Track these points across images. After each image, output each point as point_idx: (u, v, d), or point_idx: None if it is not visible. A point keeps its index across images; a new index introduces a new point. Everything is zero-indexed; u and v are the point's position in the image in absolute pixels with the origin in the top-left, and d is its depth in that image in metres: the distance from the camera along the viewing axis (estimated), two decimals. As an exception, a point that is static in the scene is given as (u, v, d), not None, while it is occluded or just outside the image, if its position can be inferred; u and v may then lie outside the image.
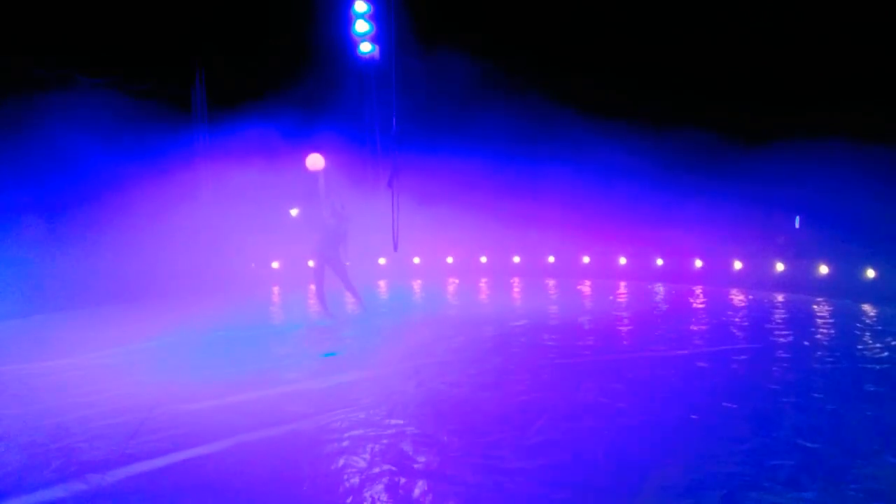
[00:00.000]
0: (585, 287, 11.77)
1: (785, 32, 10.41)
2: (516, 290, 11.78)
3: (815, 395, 5.46)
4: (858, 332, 7.74)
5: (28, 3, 9.49)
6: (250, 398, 5.63)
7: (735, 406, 5.20)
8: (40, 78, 9.44)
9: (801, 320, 8.58)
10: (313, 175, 8.62)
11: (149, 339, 7.99)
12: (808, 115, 10.03)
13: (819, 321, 8.54)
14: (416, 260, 13.24)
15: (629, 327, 8.35)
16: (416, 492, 3.93)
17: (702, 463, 4.22)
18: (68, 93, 9.79)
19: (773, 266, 10.92)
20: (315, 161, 8.46)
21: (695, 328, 8.24)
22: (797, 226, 10.96)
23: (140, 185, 10.09)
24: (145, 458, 4.45)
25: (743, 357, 6.66)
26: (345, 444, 4.62)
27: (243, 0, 11.35)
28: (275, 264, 12.57)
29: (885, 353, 6.69)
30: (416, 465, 4.26)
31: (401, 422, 5.00)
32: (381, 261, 13.06)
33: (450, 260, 13.41)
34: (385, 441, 4.65)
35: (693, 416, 5.00)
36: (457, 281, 12.73)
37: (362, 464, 4.30)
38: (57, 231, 9.77)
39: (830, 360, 6.51)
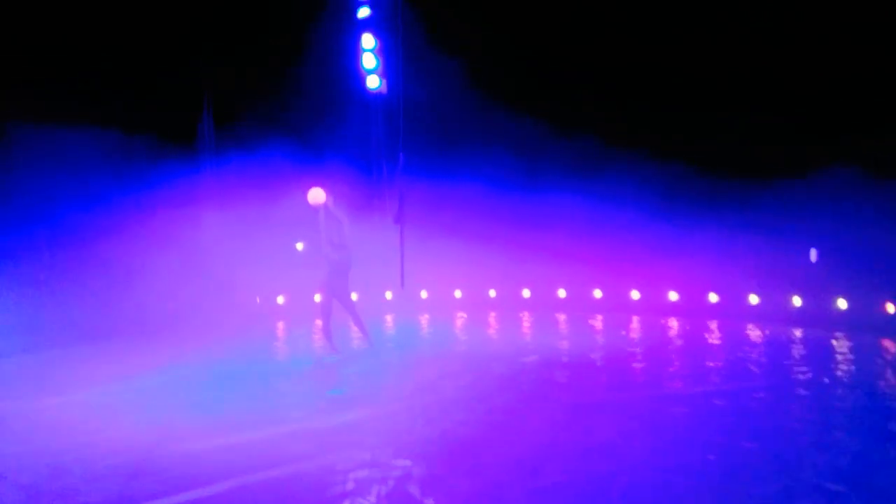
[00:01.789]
0: (597, 322, 11.62)
1: (800, 59, 10.34)
2: (526, 324, 11.65)
3: (838, 434, 5.30)
4: (880, 368, 7.58)
5: (35, 35, 9.61)
6: (252, 438, 5.51)
7: (754, 446, 5.05)
8: (43, 112, 9.52)
9: (820, 356, 8.41)
10: (314, 209, 8.60)
11: (150, 375, 7.90)
12: (825, 143, 9.90)
13: (839, 357, 8.38)
14: (424, 294, 13.14)
15: (643, 364, 8.21)
16: (423, 538, 3.79)
17: (722, 507, 4.06)
18: (72, 127, 9.87)
19: (790, 300, 10.74)
20: (316, 195, 8.44)
21: (711, 364, 8.09)
22: (813, 259, 10.77)
23: (142, 218, 10.11)
24: (145, 499, 4.33)
25: (761, 394, 6.51)
26: (350, 486, 4.49)
27: (252, 34, 11.49)
28: (280, 299, 12.50)
29: (909, 391, 6.52)
30: (423, 509, 4.13)
31: (408, 462, 4.87)
32: (388, 295, 12.97)
33: (458, 294, 13.31)
34: (391, 483, 4.52)
35: (711, 457, 4.85)
36: (465, 315, 12.62)
37: (367, 507, 4.17)
38: (56, 266, 9.78)
39: (852, 397, 6.36)
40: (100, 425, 5.94)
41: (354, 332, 9.32)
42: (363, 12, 11.21)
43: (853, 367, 7.74)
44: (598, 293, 12.63)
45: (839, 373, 7.47)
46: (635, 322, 11.46)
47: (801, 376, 7.26)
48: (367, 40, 11.09)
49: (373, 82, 11.43)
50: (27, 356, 9.18)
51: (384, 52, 11.08)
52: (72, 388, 7.27)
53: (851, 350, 8.73)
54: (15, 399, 6.92)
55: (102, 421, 6.08)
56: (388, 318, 12.45)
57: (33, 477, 4.78)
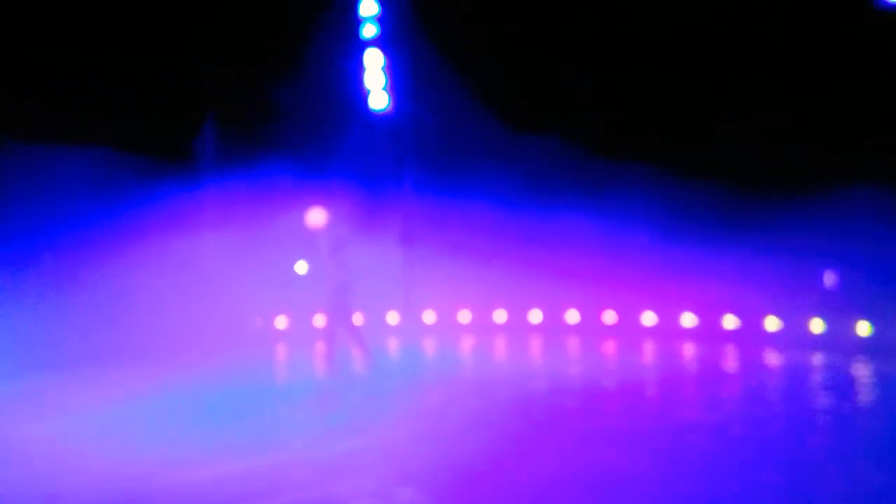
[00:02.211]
0: (609, 346, 11.49)
1: (814, 67, 10.19)
2: (535, 349, 11.54)
3: (859, 464, 5.13)
4: (902, 396, 7.38)
5: (32, 56, 9.64)
6: (251, 465, 5.40)
7: (773, 477, 4.88)
8: (40, 129, 9.55)
9: (840, 382, 8.23)
10: (315, 230, 8.57)
11: (147, 399, 7.83)
12: (846, 158, 9.68)
13: (860, 383, 8.22)
14: (429, 317, 13.03)
15: (656, 390, 8.15)
16: (426, 573, 3.65)
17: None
18: (67, 145, 9.91)
19: (809, 324, 10.54)
20: (315, 217, 8.42)
21: (726, 391, 7.98)
22: (828, 284, 10.58)
23: (140, 238, 10.09)
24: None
25: (779, 423, 6.37)
26: (351, 515, 4.37)
27: (255, 53, 11.54)
28: (280, 321, 12.41)
29: (935, 420, 6.33)
30: (426, 542, 3.99)
31: (412, 491, 4.76)
32: (392, 318, 12.86)
33: (464, 317, 13.19)
34: (394, 513, 4.40)
35: (728, 488, 4.67)
36: (471, 339, 12.51)
37: (369, 538, 4.04)
38: (51, 287, 9.76)
39: (875, 426, 6.24)
40: (95, 451, 5.86)
41: (356, 355, 9.21)
42: (369, 31, 11.29)
43: (875, 395, 7.60)
44: (610, 316, 12.46)
45: (860, 400, 7.34)
46: (649, 346, 11.31)
47: (821, 404, 7.13)
48: (373, 58, 11.13)
49: (378, 100, 11.46)
50: (22, 379, 9.07)
51: (390, 70, 11.13)
52: (66, 413, 7.21)
53: (873, 375, 8.54)
54: (10, 423, 6.86)
55: (97, 446, 6.00)
56: (392, 341, 12.35)
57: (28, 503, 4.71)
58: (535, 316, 12.93)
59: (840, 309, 10.13)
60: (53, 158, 9.68)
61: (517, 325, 12.92)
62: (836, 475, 4.94)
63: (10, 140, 9.15)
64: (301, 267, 9.79)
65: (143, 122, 10.54)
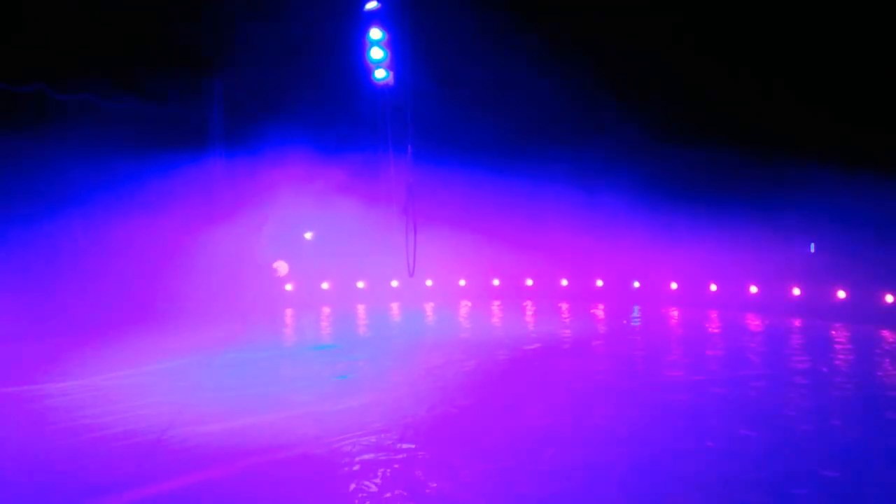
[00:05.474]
0: (598, 311, 11.69)
1: (799, 44, 10.25)
2: (529, 313, 11.72)
3: (834, 422, 5.38)
4: (878, 359, 7.61)
5: (40, 27, 9.53)
6: (261, 421, 5.62)
7: (752, 433, 5.13)
8: (54, 102, 9.49)
9: (818, 346, 8.46)
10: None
11: (161, 360, 8.00)
12: (825, 133, 9.84)
13: (837, 347, 8.43)
14: (429, 282, 13.22)
15: (643, 352, 8.28)
16: (428, 518, 3.89)
17: (719, 491, 4.15)
18: (82, 116, 9.84)
19: (789, 290, 10.78)
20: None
21: (710, 353, 8.16)
22: (812, 250, 10.82)
23: (155, 207, 10.13)
24: (158, 480, 4.45)
25: (759, 383, 6.56)
26: (356, 468, 4.59)
27: (261, 25, 11.47)
28: (288, 286, 12.59)
29: (906, 380, 6.59)
30: (427, 491, 4.22)
31: (412, 446, 4.96)
32: (394, 283, 13.06)
33: (462, 282, 13.39)
34: (396, 466, 4.62)
35: (709, 444, 4.93)
36: (469, 304, 12.69)
37: (373, 489, 4.26)
38: (71, 252, 9.82)
39: (849, 386, 6.42)
40: (114, 408, 6.04)
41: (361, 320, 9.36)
42: (371, 4, 11.21)
43: (851, 357, 7.80)
44: (599, 283, 12.71)
45: (837, 362, 7.54)
46: (636, 311, 11.53)
47: (799, 365, 7.31)
48: (375, 32, 11.05)
49: (380, 74, 11.42)
50: (41, 342, 9.21)
51: (392, 43, 11.06)
52: (86, 373, 7.37)
53: (850, 340, 8.77)
54: (32, 383, 7.02)
55: (116, 404, 6.18)
56: (394, 305, 12.54)
57: (50, 457, 4.88)
58: (530, 281, 13.17)
59: (819, 276, 10.37)
60: (75, 128, 9.63)
61: (512, 290, 13.14)
62: (808, 431, 5.18)
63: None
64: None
65: (151, 94, 10.50)
